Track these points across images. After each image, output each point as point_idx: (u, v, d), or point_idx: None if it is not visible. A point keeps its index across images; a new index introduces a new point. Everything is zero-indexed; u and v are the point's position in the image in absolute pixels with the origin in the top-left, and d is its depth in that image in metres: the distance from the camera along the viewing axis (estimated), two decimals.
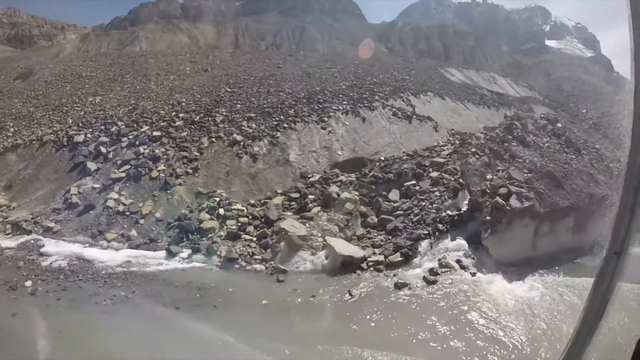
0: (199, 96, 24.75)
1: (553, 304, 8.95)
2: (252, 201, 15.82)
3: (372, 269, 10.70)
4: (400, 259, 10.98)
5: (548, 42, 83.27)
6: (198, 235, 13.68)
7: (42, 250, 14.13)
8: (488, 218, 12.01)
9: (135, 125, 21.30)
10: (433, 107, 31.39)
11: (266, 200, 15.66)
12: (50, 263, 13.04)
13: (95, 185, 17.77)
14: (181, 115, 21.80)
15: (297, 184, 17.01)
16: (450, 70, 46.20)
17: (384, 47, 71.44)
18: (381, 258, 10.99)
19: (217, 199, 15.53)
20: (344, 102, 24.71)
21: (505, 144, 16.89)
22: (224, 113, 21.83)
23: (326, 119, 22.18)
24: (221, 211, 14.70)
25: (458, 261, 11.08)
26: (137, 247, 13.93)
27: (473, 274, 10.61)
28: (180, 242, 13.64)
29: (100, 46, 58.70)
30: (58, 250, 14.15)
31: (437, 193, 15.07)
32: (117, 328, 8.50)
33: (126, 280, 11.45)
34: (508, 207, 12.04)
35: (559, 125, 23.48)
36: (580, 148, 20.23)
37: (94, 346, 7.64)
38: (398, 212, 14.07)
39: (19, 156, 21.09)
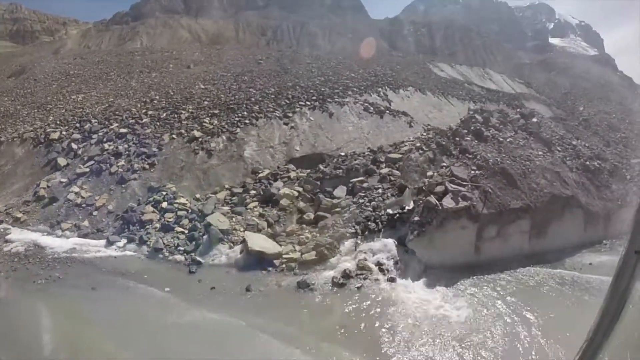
0: (172, 93, 25.72)
1: (469, 322, 8.03)
2: (198, 195, 16.62)
3: (284, 266, 11.20)
4: (314, 257, 11.14)
5: (552, 40, 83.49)
6: (137, 227, 14.66)
7: (7, 237, 15.53)
8: (417, 218, 11.54)
9: (106, 122, 22.49)
10: (412, 102, 31.26)
11: (211, 195, 16.43)
12: (11, 249, 14.43)
13: (62, 180, 19.05)
14: (150, 112, 22.83)
15: (246, 179, 17.71)
16: (440, 65, 45.48)
17: (386, 43, 70.92)
18: (297, 256, 11.42)
19: (164, 193, 16.46)
20: (313, 98, 25.07)
21: (457, 139, 16.34)
22: (190, 110, 22.70)
23: (290, 114, 22.66)
24: (164, 204, 15.61)
25: (379, 264, 10.75)
26: (84, 236, 15.08)
27: (391, 279, 10.15)
28: (121, 233, 14.61)
29: (101, 42, 60.96)
30: (20, 237, 15.50)
31: (380, 190, 15.28)
32: (38, 300, 9.83)
33: (65, 264, 12.70)
34: (439, 207, 11.40)
35: (534, 120, 22.89)
36: (556, 144, 19.73)
37: (13, 313, 9.28)
38: (336, 209, 14.47)
39: (1, 153, 22.81)
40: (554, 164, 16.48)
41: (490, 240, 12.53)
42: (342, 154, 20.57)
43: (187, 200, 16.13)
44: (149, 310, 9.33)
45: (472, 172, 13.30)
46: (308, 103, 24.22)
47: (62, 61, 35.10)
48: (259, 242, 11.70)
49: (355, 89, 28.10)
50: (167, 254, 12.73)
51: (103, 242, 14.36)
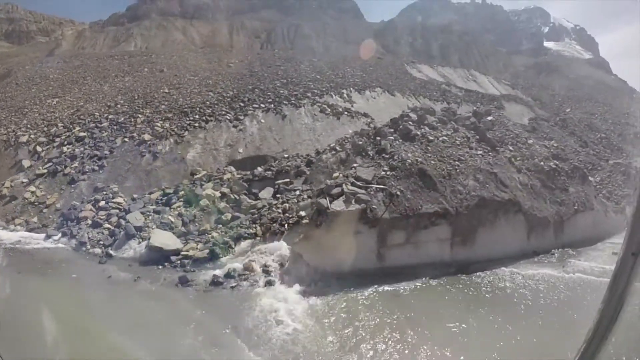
0: (136, 97, 27.74)
1: (299, 343, 7.91)
2: (136, 195, 18.44)
3: (179, 262, 12.77)
4: (205, 255, 12.56)
5: (546, 44, 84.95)
6: (74, 223, 16.60)
7: None
8: (305, 221, 12.01)
9: (70, 126, 24.69)
10: (378, 103, 32.30)
11: (146, 195, 18.21)
12: None
13: (24, 180, 21.26)
14: (111, 116, 24.90)
15: (184, 180, 19.43)
16: (420, 67, 46.22)
17: (380, 46, 71.89)
18: (192, 253, 13.00)
19: (105, 193, 18.37)
20: (269, 100, 26.59)
21: (378, 138, 16.23)
22: (147, 114, 24.62)
23: (242, 117, 24.26)
24: (102, 203, 17.51)
25: (265, 266, 11.57)
26: (31, 230, 17.13)
27: (269, 283, 10.69)
28: (60, 228, 16.62)
29: (95, 43, 64.20)
30: None
31: (297, 192, 16.60)
32: None
33: (7, 253, 14.77)
34: (327, 210, 11.39)
35: (488, 118, 23.00)
36: (508, 143, 19.37)
37: None
38: (251, 210, 15.96)
39: None
40: (495, 164, 15.85)
41: (398, 247, 11.83)
42: (286, 155, 22.03)
43: (123, 200, 17.98)
44: (52, 290, 11.07)
45: (383, 173, 12.99)
46: (262, 106, 25.76)
47: (46, 64, 37.86)
48: (161, 239, 13.31)
49: (316, 90, 29.44)
50: (89, 247, 14.56)
51: (43, 235, 16.39)
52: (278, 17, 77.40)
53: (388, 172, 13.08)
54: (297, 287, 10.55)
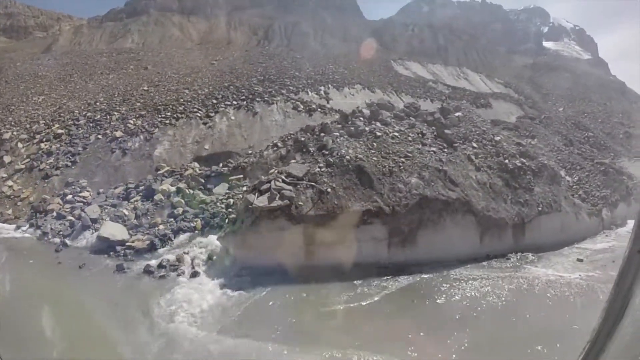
0: (116, 95, 29.37)
1: (221, 324, 8.84)
2: (101, 190, 19.97)
3: (123, 251, 14.15)
4: (145, 246, 13.91)
5: (546, 44, 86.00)
6: (43, 215, 18.24)
7: None
8: (233, 216, 13.20)
9: (51, 123, 26.48)
10: (356, 100, 33.14)
11: (111, 190, 19.73)
12: None
13: (4, 175, 23.12)
14: (88, 114, 26.54)
15: (148, 176, 20.85)
16: (408, 64, 46.73)
17: (378, 44, 72.41)
18: (135, 244, 14.36)
19: (74, 187, 19.95)
20: (242, 97, 27.81)
21: (322, 134, 16.57)
22: (123, 111, 26.17)
23: (212, 114, 25.56)
24: (69, 197, 19.10)
25: (195, 258, 12.74)
26: (5, 221, 18.83)
27: (194, 274, 11.75)
28: (30, 219, 18.28)
29: (92, 39, 66.47)
30: None
31: (245, 188, 17.76)
32: None
33: None
34: (250, 206, 12.03)
35: (457, 114, 23.22)
36: (472, 140, 19.25)
37: None
38: (201, 205, 17.26)
39: None
40: (449, 161, 15.75)
41: (328, 246, 11.92)
42: (250, 152, 23.24)
43: (90, 194, 19.54)
44: (7, 272, 12.68)
45: (318, 169, 13.34)
46: (235, 103, 27.00)
47: (37, 61, 39.93)
48: (110, 230, 14.73)
49: (292, 87, 30.49)
50: (50, 236, 16.12)
51: (14, 226, 18.08)
52: (277, 14, 78.47)
53: (323, 169, 13.46)
54: (219, 280, 11.55)
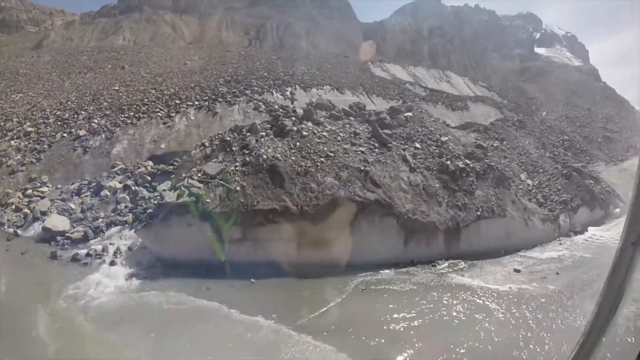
0: (87, 94, 31.68)
1: (115, 307, 10.62)
2: (60, 186, 22.21)
3: (62, 241, 16.31)
4: (80, 237, 16.11)
5: (537, 50, 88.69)
6: (3, 207, 20.57)
7: None
8: (150, 211, 15.14)
9: (23, 121, 28.90)
10: (322, 101, 34.87)
11: (68, 185, 21.96)
12: None
13: None
14: (58, 112, 28.90)
15: (104, 173, 23.04)
16: (387, 66, 48.12)
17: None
18: (72, 235, 16.52)
19: (35, 183, 22.25)
20: (205, 98, 29.82)
21: (248, 134, 17.55)
22: (90, 110, 28.43)
23: (173, 114, 27.65)
24: (29, 192, 21.40)
25: (117, 249, 14.71)
26: None
27: (112, 263, 13.73)
28: None
29: (84, 35, 69.31)
30: None
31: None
32: None
33: None
34: (161, 202, 13.99)
35: (407, 114, 24.26)
36: (416, 140, 20.04)
37: None
38: (140, 201, 19.35)
39: None
40: (378, 161, 16.07)
41: (236, 243, 12.74)
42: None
43: (48, 189, 21.81)
44: None
45: (233, 168, 14.62)
46: (197, 103, 29.03)
47: (20, 59, 42.60)
48: (54, 222, 16.93)
49: (257, 87, 32.38)
50: (6, 227, 18.42)
51: None
52: (269, 14, 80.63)
53: (238, 168, 14.72)
54: (132, 269, 13.51)
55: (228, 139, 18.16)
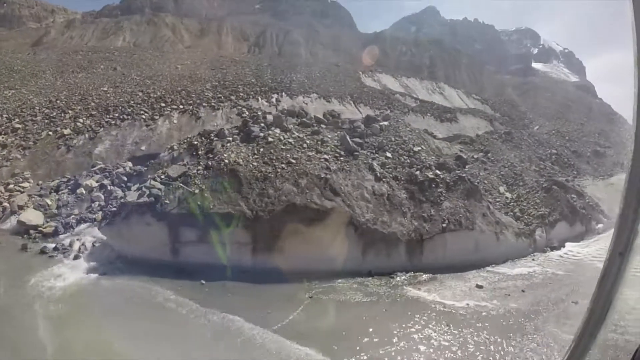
0: (76, 94, 33.05)
1: (67, 299, 11.86)
2: (40, 182, 23.41)
3: (34, 234, 17.44)
4: (50, 232, 17.25)
5: (535, 65, 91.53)
6: None
7: None
8: (114, 209, 16.27)
9: (12, 117, 30.23)
10: (307, 108, 36.08)
11: (48, 182, 23.14)
12: None
13: None
14: (46, 110, 30.23)
15: (83, 172, 24.21)
16: (379, 76, 49.49)
17: (368, 57, 76.09)
18: (44, 229, 17.65)
19: (18, 178, 23.44)
20: (190, 102, 31.11)
21: (215, 139, 18.46)
22: (77, 110, 29.75)
23: (157, 117, 28.91)
24: (11, 186, 22.59)
25: (83, 244, 15.83)
26: None
27: (76, 257, 14.79)
28: None
29: (84, 34, 71.25)
30: None
31: None
32: None
33: None
34: (124, 201, 15.27)
35: (383, 124, 24.86)
36: (387, 150, 20.55)
37: None
38: (113, 200, 20.48)
39: None
40: (342, 169, 16.54)
41: (192, 245, 13.45)
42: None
43: (29, 185, 22.99)
44: None
45: (195, 171, 15.55)
46: (181, 107, 30.31)
47: (14, 55, 44.17)
48: (28, 217, 18.07)
49: (243, 93, 33.67)
50: None
51: None
52: (270, 22, 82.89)
53: (200, 171, 15.66)
54: (93, 264, 14.54)
55: (195, 143, 19.33)
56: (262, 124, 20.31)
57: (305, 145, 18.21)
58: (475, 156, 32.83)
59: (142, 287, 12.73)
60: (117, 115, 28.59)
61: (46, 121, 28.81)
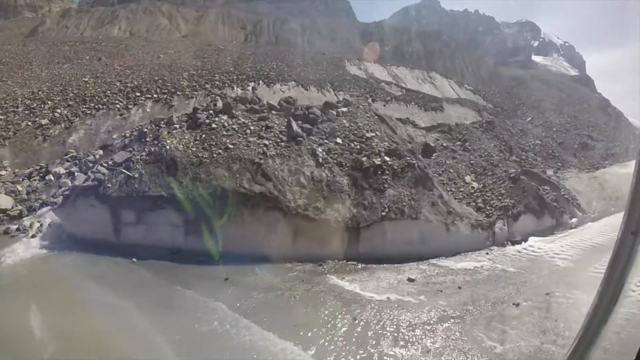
0: (58, 85, 34.99)
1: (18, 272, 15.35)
2: (17, 170, 25.45)
3: (3, 216, 19.40)
4: (16, 214, 19.20)
5: (535, 58, 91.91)
6: None
7: None
8: (67, 192, 18.07)
9: None
10: (284, 96, 37.17)
11: (23, 170, 25.16)
12: None
13: None
14: (27, 101, 32.27)
15: (57, 160, 26.13)
16: (366, 65, 49.87)
17: (365, 46, 75.94)
18: (11, 212, 19.59)
19: None
20: (165, 91, 32.62)
21: (164, 126, 20.17)
22: (56, 100, 31.67)
23: (131, 106, 30.58)
24: None
25: (41, 225, 17.64)
26: None
27: (33, 236, 16.56)
28: None
29: (80, 23, 73.46)
30: None
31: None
32: None
33: None
34: (73, 185, 17.28)
35: (340, 110, 25.44)
36: (337, 136, 20.69)
37: None
38: (83, 185, 22.30)
39: None
40: (280, 154, 17.13)
41: (131, 226, 14.73)
42: None
43: (7, 173, 25.08)
44: None
45: (139, 157, 16.82)
46: (155, 96, 31.86)
47: (5, 47, 46.47)
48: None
49: (218, 82, 34.97)
50: None
51: None
52: (267, 10, 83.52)
53: (143, 157, 16.91)
54: (46, 242, 16.30)
55: (145, 130, 20.70)
56: (211, 111, 21.13)
57: (248, 131, 18.89)
58: (448, 145, 32.71)
59: (80, 263, 14.44)
60: (93, 105, 30.38)
61: (27, 112, 30.84)
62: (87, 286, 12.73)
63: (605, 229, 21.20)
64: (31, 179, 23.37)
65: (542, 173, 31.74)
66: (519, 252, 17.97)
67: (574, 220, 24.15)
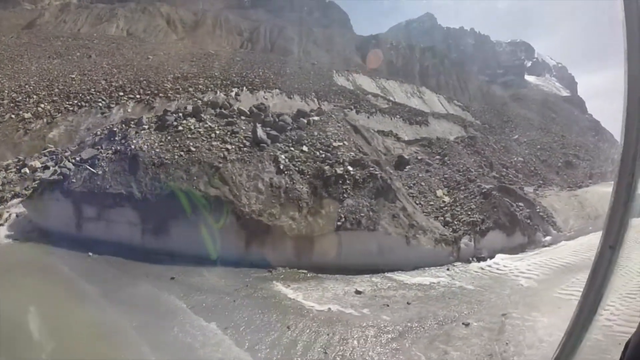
0: (45, 79, 36.44)
1: None
2: None
3: None
4: None
5: (527, 77, 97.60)
6: None
7: None
8: (35, 185, 19.30)
9: None
10: (267, 103, 38.74)
11: (2, 162, 26.44)
12: None
13: None
14: (13, 94, 33.66)
15: (37, 154, 27.44)
16: (355, 76, 51.78)
17: (360, 59, 78.21)
18: None
19: None
20: (147, 92, 34.11)
21: (134, 126, 20.86)
22: (41, 95, 33.08)
23: (113, 105, 32.02)
24: None
25: (9, 216, 18.76)
26: None
27: (1, 225, 17.75)
28: None
29: (78, 19, 75.23)
30: None
31: None
32: None
33: None
34: (40, 178, 18.39)
35: (312, 119, 26.27)
36: (304, 144, 21.24)
37: None
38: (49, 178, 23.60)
39: None
40: (241, 159, 17.65)
41: (93, 221, 15.52)
42: None
43: None
44: None
45: (106, 155, 17.89)
46: (138, 96, 33.35)
47: None
48: None
49: (202, 86, 36.52)
50: None
51: None
52: (265, 17, 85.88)
53: (108, 155, 18.02)
54: (12, 232, 17.41)
55: (115, 129, 21.97)
56: (180, 114, 22.11)
57: (213, 135, 19.59)
58: (424, 158, 33.88)
59: (38, 254, 15.64)
60: (76, 102, 31.80)
61: (12, 105, 32.21)
62: (32, 274, 13.69)
63: (580, 248, 20.65)
64: (7, 171, 24.65)
65: (519, 189, 31.09)
66: (482, 269, 17.52)
67: (548, 238, 23.81)
